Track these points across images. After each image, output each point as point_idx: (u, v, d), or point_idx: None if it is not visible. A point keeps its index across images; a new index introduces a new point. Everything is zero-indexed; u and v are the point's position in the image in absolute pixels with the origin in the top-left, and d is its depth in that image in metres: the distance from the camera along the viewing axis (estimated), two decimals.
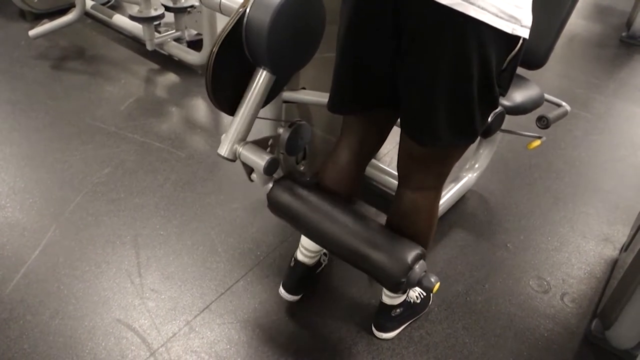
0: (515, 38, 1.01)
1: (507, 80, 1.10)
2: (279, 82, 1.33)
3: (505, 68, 1.07)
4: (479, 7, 0.94)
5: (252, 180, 1.39)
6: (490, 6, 0.94)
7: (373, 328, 1.56)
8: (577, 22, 4.17)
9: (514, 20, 0.97)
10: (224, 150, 1.29)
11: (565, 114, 1.78)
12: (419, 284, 1.23)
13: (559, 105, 1.83)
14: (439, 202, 1.36)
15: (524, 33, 1.01)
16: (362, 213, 1.35)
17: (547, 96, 1.84)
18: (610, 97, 3.10)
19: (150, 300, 1.60)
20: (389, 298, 1.51)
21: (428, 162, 1.25)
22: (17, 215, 1.85)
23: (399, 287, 1.23)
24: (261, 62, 1.24)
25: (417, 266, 1.22)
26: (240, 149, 1.28)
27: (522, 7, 0.98)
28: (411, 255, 1.22)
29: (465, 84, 1.03)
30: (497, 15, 0.95)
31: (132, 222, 1.87)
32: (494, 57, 1.01)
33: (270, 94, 1.32)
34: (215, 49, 1.18)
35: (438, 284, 1.22)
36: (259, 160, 1.27)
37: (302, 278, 1.60)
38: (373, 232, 1.28)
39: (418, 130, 1.17)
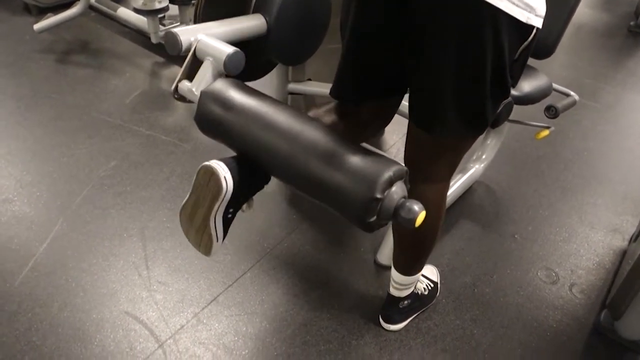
0: (530, 27, 0.99)
1: (518, 71, 1.09)
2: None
3: (518, 58, 1.05)
4: (514, 3, 0.93)
5: (176, 97, 1.22)
6: None
7: (380, 320, 1.56)
8: (584, 12, 4.13)
9: (529, 8, 0.96)
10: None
11: (573, 103, 1.76)
12: (395, 213, 0.93)
13: (567, 95, 1.81)
14: (446, 193, 1.35)
15: (538, 22, 0.99)
16: (320, 122, 1.08)
17: (555, 86, 1.82)
18: (619, 87, 3.08)
19: (157, 293, 1.60)
20: (397, 290, 1.51)
21: (437, 152, 1.24)
22: (25, 209, 1.86)
23: (367, 214, 0.93)
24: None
25: (393, 188, 0.93)
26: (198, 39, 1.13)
27: None
28: (385, 173, 0.92)
29: (478, 71, 1.01)
30: (513, 3, 0.94)
31: (139, 215, 1.87)
32: (507, 46, 0.99)
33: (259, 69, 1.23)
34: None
35: (423, 212, 0.93)
36: (223, 47, 1.10)
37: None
38: (334, 145, 0.98)
39: (428, 119, 1.15)
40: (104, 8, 3.10)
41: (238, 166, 1.04)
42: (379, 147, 2.33)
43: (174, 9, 2.83)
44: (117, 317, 1.52)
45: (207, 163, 1.03)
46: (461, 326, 1.59)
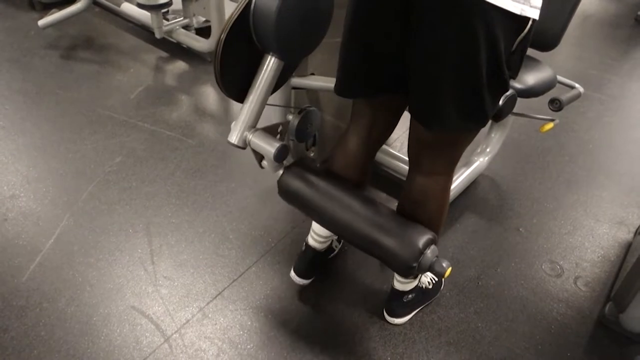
0: (525, 19, 0.98)
1: (517, 63, 1.08)
2: (288, 67, 1.32)
3: (515, 50, 1.05)
4: None
5: (262, 167, 1.38)
6: None
7: (385, 313, 1.56)
8: (590, 2, 4.09)
9: (523, 0, 0.95)
10: (234, 137, 1.29)
11: (578, 95, 1.75)
12: (430, 269, 1.22)
13: (572, 87, 1.80)
14: (450, 187, 1.35)
15: (534, 14, 0.98)
16: (372, 198, 1.34)
17: (559, 78, 1.81)
18: (625, 78, 3.05)
19: (163, 288, 1.62)
20: (401, 284, 1.51)
21: (438, 147, 1.24)
22: (32, 205, 1.87)
23: (410, 272, 1.23)
24: (270, 48, 1.23)
25: (428, 251, 1.22)
26: (250, 136, 1.28)
27: None
28: (422, 240, 1.21)
29: (473, 66, 1.01)
30: None
31: (144, 211, 1.88)
32: (502, 39, 0.99)
33: (279, 80, 1.31)
34: (223, 36, 1.17)
35: (450, 268, 1.21)
36: (269, 147, 1.26)
37: (312, 262, 1.61)
38: (384, 217, 1.28)
39: (426, 114, 1.16)
40: (108, 3, 3.10)
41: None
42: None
43: (177, 4, 2.83)
44: (124, 311, 1.54)
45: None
46: (465, 319, 1.59)
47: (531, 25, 1.00)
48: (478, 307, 1.63)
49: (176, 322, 1.52)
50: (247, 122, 1.28)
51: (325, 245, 1.61)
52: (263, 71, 1.26)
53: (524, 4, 0.96)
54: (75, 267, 1.66)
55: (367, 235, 1.25)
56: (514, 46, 1.04)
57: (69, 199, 1.90)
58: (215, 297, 1.60)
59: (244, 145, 1.30)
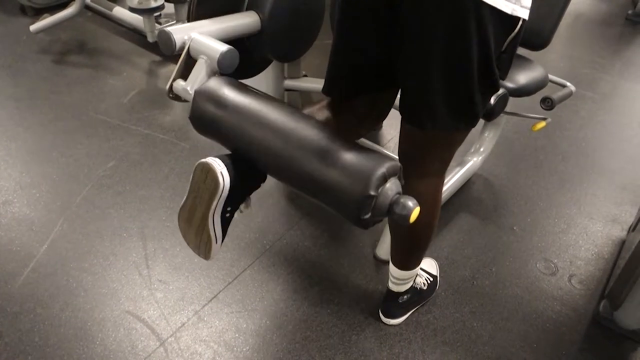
0: (515, 19, 0.99)
1: (507, 63, 1.09)
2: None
3: (505, 50, 1.05)
4: None
5: (171, 96, 1.22)
6: None
7: (380, 314, 1.56)
8: (581, 1, 4.11)
9: (514, 0, 0.96)
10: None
11: (570, 94, 1.76)
12: (390, 209, 0.93)
13: (563, 86, 1.81)
14: (441, 188, 1.35)
15: (524, 14, 0.99)
16: (315, 120, 1.07)
17: (551, 77, 1.82)
18: (616, 76, 3.07)
19: (158, 291, 1.61)
20: (396, 285, 1.51)
21: (429, 147, 1.24)
22: (25, 210, 1.87)
23: (362, 211, 0.93)
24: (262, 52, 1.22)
25: (387, 184, 0.93)
26: (191, 39, 1.14)
27: None
28: (379, 169, 0.92)
29: (464, 65, 1.01)
30: None
31: (139, 214, 1.88)
32: (492, 38, 0.99)
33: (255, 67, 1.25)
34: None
35: (417, 209, 0.94)
36: (217, 45, 1.11)
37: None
38: (328, 142, 0.98)
39: (418, 114, 1.15)
40: (100, 8, 3.09)
41: (234, 164, 1.04)
42: (377, 141, 2.34)
43: (169, 8, 2.83)
44: (119, 316, 1.53)
45: (203, 160, 1.04)
46: (461, 319, 1.59)
47: (521, 26, 1.01)
48: (473, 306, 1.64)
49: (171, 325, 1.52)
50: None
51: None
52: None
53: (515, 3, 0.96)
54: (69, 272, 1.65)
55: (304, 166, 0.96)
56: (504, 46, 1.04)
57: (62, 204, 1.90)
58: (211, 300, 1.60)
59: (181, 48, 1.15)
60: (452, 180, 2.00)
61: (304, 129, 1.00)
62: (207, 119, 1.09)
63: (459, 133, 1.22)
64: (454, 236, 1.88)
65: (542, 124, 1.77)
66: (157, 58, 2.91)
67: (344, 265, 1.75)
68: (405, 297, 1.53)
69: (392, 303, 1.54)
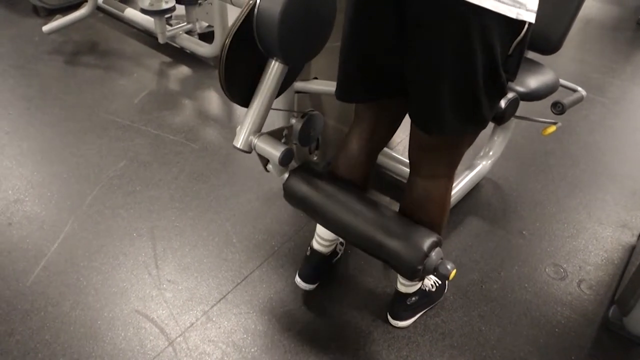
0: (521, 23, 0.99)
1: (515, 66, 1.09)
2: (292, 72, 1.33)
3: (512, 54, 1.05)
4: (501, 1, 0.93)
5: (268, 171, 1.39)
6: None
7: (388, 316, 1.56)
8: (592, 5, 4.09)
9: (518, 4, 0.96)
10: (239, 142, 1.30)
11: (580, 99, 1.75)
12: (435, 271, 1.22)
13: (574, 91, 1.80)
14: (451, 190, 1.36)
15: (530, 17, 0.99)
16: (376, 201, 1.34)
17: (562, 81, 1.81)
18: (627, 81, 3.05)
19: (167, 291, 1.62)
20: (404, 286, 1.52)
21: (438, 150, 1.25)
22: (36, 209, 1.88)
23: (415, 274, 1.23)
24: (273, 54, 1.24)
25: (433, 253, 1.22)
26: (256, 141, 1.29)
27: None
28: (427, 243, 1.21)
29: (470, 70, 1.02)
30: (499, 0, 0.94)
31: (148, 215, 1.89)
32: (498, 43, 1.00)
33: (284, 84, 1.32)
34: (227, 42, 1.18)
35: (454, 271, 1.21)
36: (274, 151, 1.27)
37: (317, 267, 1.62)
38: (388, 219, 1.28)
39: (425, 118, 1.17)
40: (112, 9, 3.12)
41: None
42: (387, 144, 2.33)
43: (180, 9, 2.84)
44: (128, 315, 1.54)
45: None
46: (469, 323, 1.59)
47: (527, 29, 1.01)
48: (482, 310, 1.63)
49: (180, 325, 1.52)
50: (252, 127, 1.29)
51: (330, 249, 1.62)
52: (267, 76, 1.26)
53: (519, 7, 0.96)
54: (79, 271, 1.66)
55: (371, 237, 1.25)
56: (511, 50, 1.04)
57: (73, 203, 1.91)
58: (219, 300, 1.60)
59: (250, 149, 1.31)
60: (461, 184, 2.00)
61: (373, 211, 1.30)
62: (300, 197, 1.37)
63: (467, 137, 1.23)
64: (462, 240, 1.88)
65: (553, 128, 1.76)
66: (168, 59, 2.93)
67: (352, 267, 1.75)
68: (413, 298, 1.53)
69: (401, 305, 1.54)
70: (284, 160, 1.28)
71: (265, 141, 1.29)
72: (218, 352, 1.46)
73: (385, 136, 1.43)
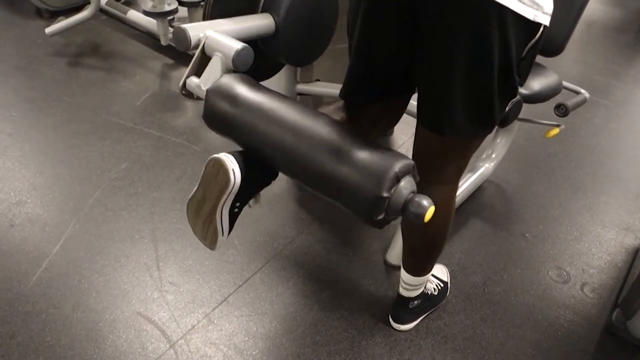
0: (536, 25, 0.99)
1: (526, 70, 1.08)
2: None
3: (525, 56, 1.04)
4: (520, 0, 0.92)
5: (184, 93, 1.22)
6: None
7: (390, 320, 1.56)
8: (596, 7, 4.09)
9: (536, 6, 0.96)
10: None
11: (584, 101, 1.75)
12: (404, 208, 0.92)
13: (577, 93, 1.80)
14: (455, 195, 1.35)
15: (545, 20, 0.99)
16: (327, 116, 1.04)
17: (565, 83, 1.81)
18: (630, 83, 3.05)
19: (169, 294, 1.62)
20: (406, 290, 1.51)
21: (445, 153, 1.23)
22: (38, 211, 1.88)
23: (375, 211, 0.91)
24: (276, 56, 1.22)
25: (402, 183, 0.91)
26: (206, 37, 1.14)
27: None
28: (394, 167, 0.90)
29: (486, 72, 1.01)
30: (520, 1, 0.93)
31: (150, 217, 1.89)
32: (514, 44, 0.99)
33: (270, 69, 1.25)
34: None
35: (432, 208, 0.92)
36: (231, 43, 1.12)
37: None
38: (342, 138, 0.96)
39: (436, 119, 1.15)
40: (114, 11, 3.12)
41: (246, 160, 1.05)
42: (388, 146, 2.33)
43: (183, 11, 2.85)
44: (129, 317, 1.54)
45: (216, 155, 1.05)
46: (471, 326, 1.58)
47: (542, 32, 1.01)
48: (484, 313, 1.63)
49: (182, 328, 1.52)
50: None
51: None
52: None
53: (537, 10, 0.96)
54: (81, 273, 1.66)
55: (315, 162, 0.95)
56: (524, 52, 1.04)
57: (75, 205, 1.91)
58: (221, 303, 1.60)
59: (196, 45, 1.15)
60: (463, 186, 1.99)
61: (317, 126, 0.98)
62: (220, 116, 1.08)
63: (476, 139, 1.21)
64: (465, 242, 1.87)
65: (556, 130, 1.75)
66: (170, 61, 2.93)
67: (354, 270, 1.74)
68: (415, 302, 1.53)
69: (403, 308, 1.54)
70: (240, 59, 1.09)
71: (219, 35, 1.11)
72: (219, 355, 1.46)
73: (383, 131, 1.41)
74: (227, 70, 1.14)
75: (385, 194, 0.89)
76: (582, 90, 1.80)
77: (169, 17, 2.74)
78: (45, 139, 2.25)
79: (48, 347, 1.45)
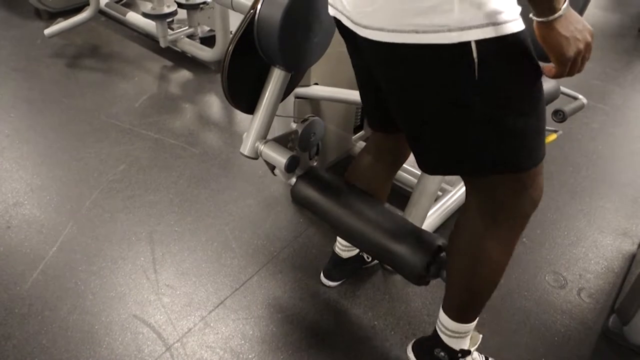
0: (506, 38, 0.85)
1: (530, 91, 0.99)
2: (294, 77, 1.34)
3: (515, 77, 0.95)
4: (422, 31, 0.84)
5: (275, 175, 1.41)
6: (443, 23, 0.82)
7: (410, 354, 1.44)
8: (594, 12, 4.10)
9: (488, 19, 0.83)
10: (246, 149, 1.32)
11: (581, 107, 1.75)
12: (440, 275, 1.24)
13: (575, 98, 1.80)
14: (512, 246, 1.17)
15: (511, 28, 0.84)
16: (385, 206, 1.35)
17: (563, 89, 1.81)
18: (628, 88, 3.05)
19: (165, 296, 1.61)
20: (451, 338, 1.30)
21: (472, 192, 1.14)
22: (35, 213, 1.88)
23: (420, 280, 1.24)
24: (275, 61, 1.24)
25: (438, 259, 1.23)
26: (262, 147, 1.30)
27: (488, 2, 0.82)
28: (433, 247, 1.22)
29: (433, 110, 0.97)
30: (453, 30, 0.83)
31: (147, 219, 1.88)
32: (450, 75, 0.90)
33: (286, 90, 1.33)
34: (230, 48, 1.18)
35: None
36: (280, 157, 1.29)
37: (337, 268, 1.66)
38: (395, 224, 1.27)
39: (417, 159, 1.12)
40: (114, 12, 3.13)
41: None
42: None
43: (182, 14, 2.85)
44: (126, 320, 1.54)
45: None
46: None
47: (514, 40, 0.87)
48: (481, 318, 1.61)
49: (178, 331, 1.52)
50: (258, 133, 1.31)
51: (349, 254, 1.62)
52: (270, 83, 1.27)
53: (461, 30, 0.82)
54: (77, 275, 1.66)
55: (378, 242, 1.25)
56: (484, 71, 0.88)
57: (72, 207, 1.91)
58: (217, 306, 1.60)
59: (256, 156, 1.32)
60: (461, 190, 1.99)
61: (381, 216, 1.29)
62: (307, 201, 1.38)
63: (492, 181, 1.07)
64: None
65: (554, 136, 1.76)
66: (169, 63, 2.93)
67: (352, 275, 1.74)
68: (442, 353, 1.33)
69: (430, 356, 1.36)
70: (290, 166, 1.29)
71: (271, 147, 1.30)
72: (216, 358, 1.45)
73: (400, 159, 1.44)
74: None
75: (424, 272, 1.21)
76: (580, 96, 1.80)
77: (168, 19, 2.74)
78: (43, 140, 2.24)
79: (44, 349, 1.45)
